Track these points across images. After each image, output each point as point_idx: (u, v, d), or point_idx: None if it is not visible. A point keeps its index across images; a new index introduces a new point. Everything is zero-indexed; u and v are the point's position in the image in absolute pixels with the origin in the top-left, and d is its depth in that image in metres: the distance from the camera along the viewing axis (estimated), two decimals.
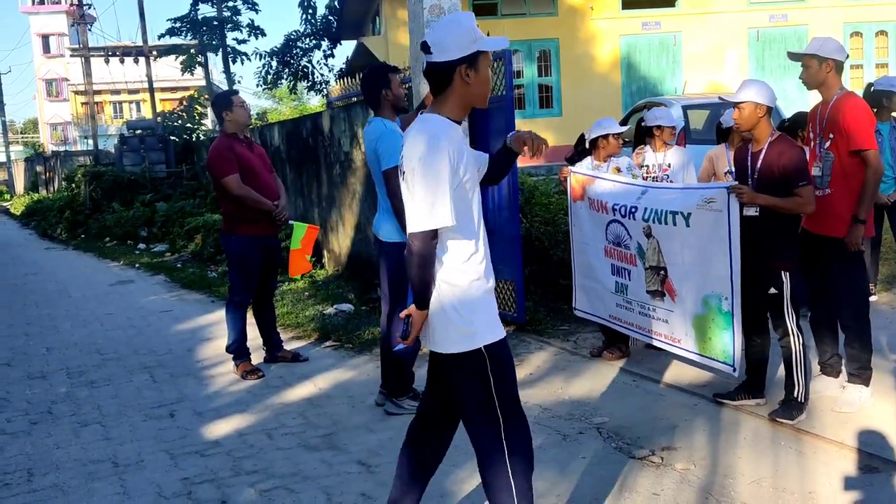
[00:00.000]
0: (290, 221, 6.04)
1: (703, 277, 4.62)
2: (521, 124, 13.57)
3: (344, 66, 26.99)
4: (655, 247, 4.98)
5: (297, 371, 5.84)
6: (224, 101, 5.78)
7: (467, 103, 2.76)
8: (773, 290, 4.32)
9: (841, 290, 4.55)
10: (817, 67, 4.43)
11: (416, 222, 2.66)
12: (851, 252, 4.42)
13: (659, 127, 5.95)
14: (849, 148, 4.34)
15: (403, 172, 2.74)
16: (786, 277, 4.30)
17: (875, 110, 6.32)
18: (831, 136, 4.40)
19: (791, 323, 4.32)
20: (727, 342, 4.52)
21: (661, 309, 5.03)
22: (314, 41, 27.54)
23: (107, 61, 24.92)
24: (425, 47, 2.69)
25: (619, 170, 5.63)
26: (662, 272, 4.96)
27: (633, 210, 5.11)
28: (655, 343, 5.21)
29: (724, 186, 4.39)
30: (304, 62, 27.80)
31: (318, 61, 28.10)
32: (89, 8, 25.45)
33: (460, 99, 2.73)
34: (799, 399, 4.31)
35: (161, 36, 25.31)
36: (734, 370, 4.54)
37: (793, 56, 4.61)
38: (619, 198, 5.29)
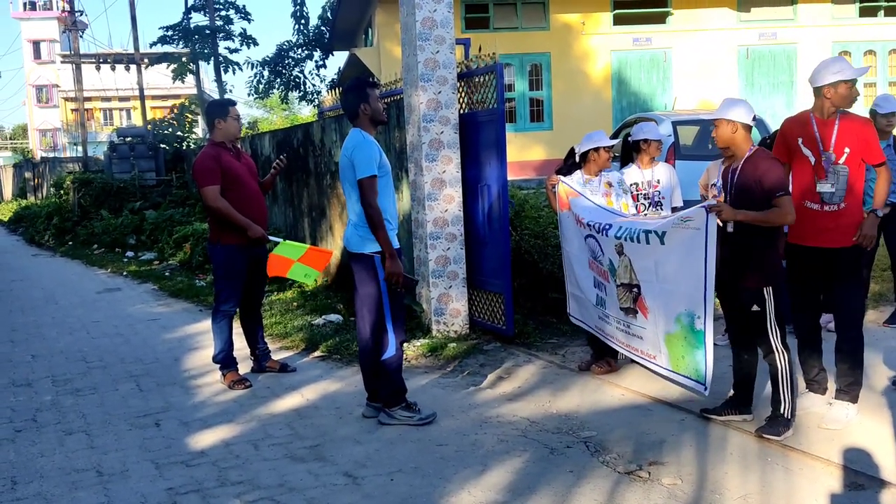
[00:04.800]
0: (277, 239, 5.83)
1: (677, 295, 4.63)
2: (511, 137, 13.64)
3: (336, 76, 27.04)
4: (627, 264, 5.00)
5: (284, 382, 5.81)
6: (220, 109, 5.75)
7: None
8: (755, 308, 4.34)
9: (841, 305, 4.57)
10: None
11: None
12: (859, 265, 4.49)
13: (646, 141, 5.98)
14: (871, 162, 4.50)
15: None
16: (768, 294, 4.32)
17: None
18: (846, 150, 4.44)
19: (775, 340, 4.33)
20: (699, 360, 4.53)
21: (634, 325, 5.06)
22: (306, 51, 27.58)
23: (98, 68, 24.91)
24: None
25: (610, 184, 5.65)
26: (635, 290, 4.98)
27: (607, 227, 5.14)
28: (633, 358, 5.24)
29: (702, 206, 4.41)
30: (295, 72, 27.82)
31: (309, 71, 28.10)
32: (81, 14, 25.43)
33: None
34: (785, 415, 4.32)
35: (153, 44, 25.27)
36: (705, 389, 4.54)
37: None
38: (594, 215, 5.33)
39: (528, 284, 7.24)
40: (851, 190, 4.45)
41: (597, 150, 5.61)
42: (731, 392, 4.68)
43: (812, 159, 4.51)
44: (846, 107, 4.52)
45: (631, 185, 5.90)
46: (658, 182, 5.98)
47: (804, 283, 4.64)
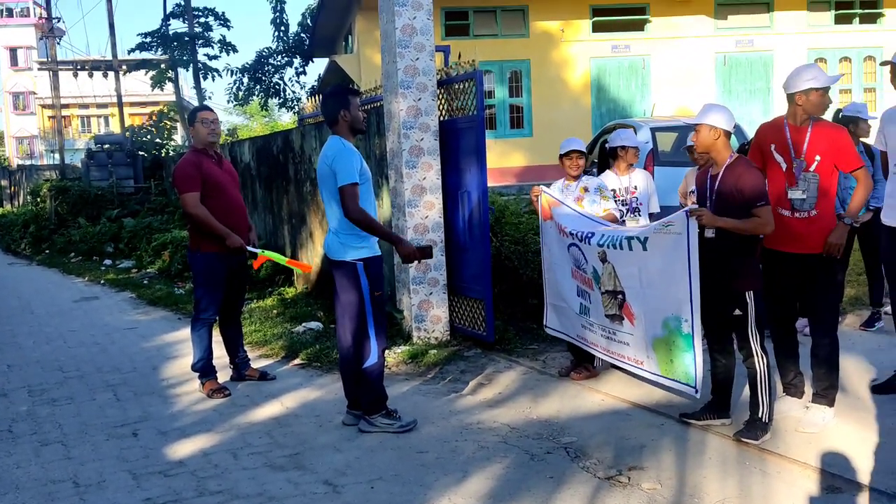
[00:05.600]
0: (256, 250, 5.78)
1: (662, 300, 4.66)
2: (493, 144, 13.69)
3: (316, 83, 27.02)
4: (611, 271, 5.03)
5: (264, 390, 5.78)
6: (191, 115, 5.79)
7: None
8: (737, 312, 4.38)
9: (816, 309, 4.61)
10: None
11: None
12: (834, 270, 4.52)
13: (623, 148, 6.00)
14: (846, 168, 4.49)
15: None
16: (750, 298, 4.36)
17: None
18: (817, 158, 4.47)
19: (755, 344, 4.37)
20: (688, 364, 4.56)
21: (621, 332, 5.07)
22: (286, 58, 27.55)
23: (75, 75, 24.75)
24: None
25: (586, 189, 5.68)
26: (620, 296, 5.01)
27: (590, 235, 5.17)
28: (619, 364, 5.25)
29: (683, 211, 4.44)
30: (275, 79, 27.77)
31: (289, 78, 28.09)
32: (58, 21, 25.28)
33: None
34: (763, 419, 4.35)
35: (131, 50, 25.19)
36: (696, 392, 4.57)
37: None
38: (577, 224, 5.35)
39: (508, 290, 7.25)
40: (825, 196, 4.49)
41: (568, 155, 5.64)
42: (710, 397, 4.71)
43: (784, 166, 4.55)
44: (818, 114, 4.56)
45: (612, 191, 5.94)
46: (635, 188, 6.01)
47: (780, 287, 4.68)
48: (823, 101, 4.51)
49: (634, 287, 4.87)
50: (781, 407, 4.72)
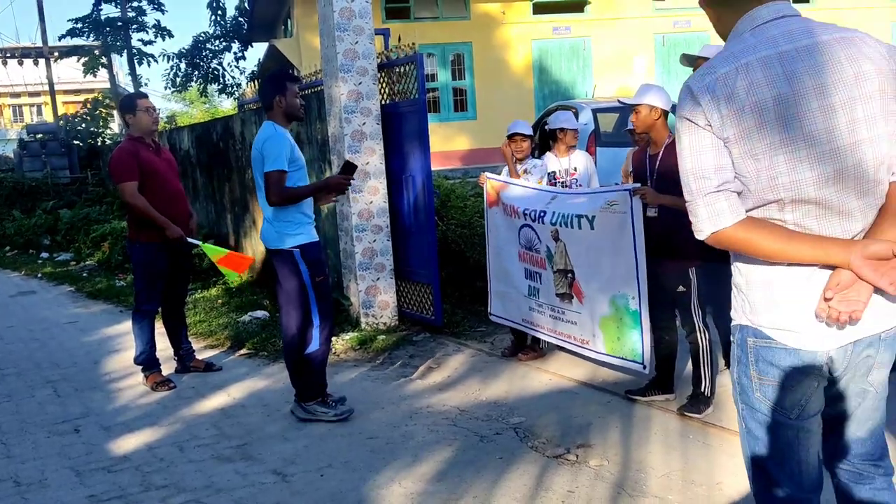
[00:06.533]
0: (196, 241, 5.67)
1: (610, 278, 4.73)
2: (436, 128, 13.66)
3: (256, 68, 26.58)
4: (562, 250, 5.08)
5: (209, 381, 5.70)
6: (128, 104, 5.61)
7: None
8: (681, 288, 4.46)
9: None
10: None
11: None
12: None
13: (562, 130, 6.04)
14: None
15: None
16: (693, 275, 4.44)
17: None
18: None
19: (698, 319, 4.46)
20: (636, 340, 4.65)
21: (569, 311, 5.13)
22: (224, 43, 27.00)
23: (4, 63, 23.94)
24: None
25: (527, 171, 5.72)
26: (570, 275, 5.07)
27: (542, 214, 5.21)
28: (564, 345, 5.32)
29: (626, 189, 4.50)
30: (214, 64, 27.22)
31: (228, 63, 27.64)
32: None
33: None
34: (706, 393, 4.45)
35: (62, 37, 24.39)
36: (644, 367, 4.66)
37: (687, 58, 4.72)
38: (529, 203, 5.39)
39: (455, 274, 7.27)
40: None
41: (512, 138, 5.67)
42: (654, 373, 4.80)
43: None
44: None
45: (549, 173, 5.98)
46: (575, 170, 6.06)
47: (717, 265, 4.77)
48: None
49: (583, 265, 4.94)
50: (723, 381, 4.82)
